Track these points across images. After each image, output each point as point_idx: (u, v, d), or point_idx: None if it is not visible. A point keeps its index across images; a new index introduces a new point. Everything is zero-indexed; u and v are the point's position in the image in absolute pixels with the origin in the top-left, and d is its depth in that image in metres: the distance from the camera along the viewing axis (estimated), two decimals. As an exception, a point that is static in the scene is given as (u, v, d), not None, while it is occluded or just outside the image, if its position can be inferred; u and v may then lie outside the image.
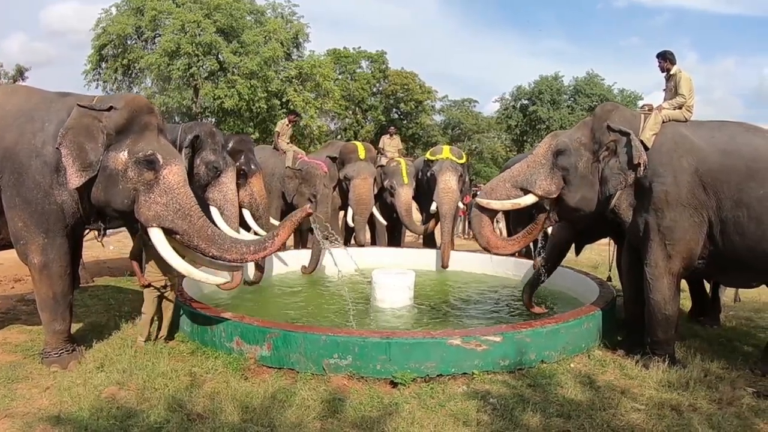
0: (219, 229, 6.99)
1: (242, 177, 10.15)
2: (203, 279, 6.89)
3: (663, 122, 6.92)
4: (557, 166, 7.20)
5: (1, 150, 6.44)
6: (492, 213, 7.72)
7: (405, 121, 51.35)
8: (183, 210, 6.48)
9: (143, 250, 7.20)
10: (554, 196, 7.23)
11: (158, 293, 7.20)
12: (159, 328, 7.37)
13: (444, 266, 11.94)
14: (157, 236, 6.50)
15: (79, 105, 6.43)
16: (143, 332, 7.16)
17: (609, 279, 9.08)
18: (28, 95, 6.96)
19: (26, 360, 6.94)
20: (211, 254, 6.60)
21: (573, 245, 8.35)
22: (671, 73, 7.46)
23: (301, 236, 14.33)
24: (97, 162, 6.32)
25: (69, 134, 6.20)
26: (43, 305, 6.71)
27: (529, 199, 7.32)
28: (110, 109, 6.45)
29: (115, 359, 6.66)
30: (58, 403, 5.63)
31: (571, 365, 6.69)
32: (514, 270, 11.36)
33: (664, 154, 6.66)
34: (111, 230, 10.37)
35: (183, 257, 6.70)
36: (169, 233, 6.53)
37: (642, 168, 6.62)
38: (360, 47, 52.73)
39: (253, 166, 10.47)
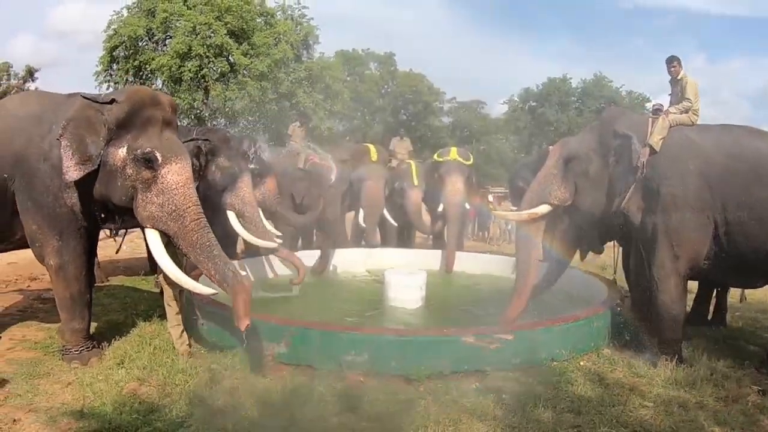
0: (209, 239, 6.23)
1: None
2: (192, 287, 6.31)
3: (670, 126, 7.05)
4: (569, 173, 7.31)
5: (12, 155, 6.56)
6: (536, 236, 7.64)
7: (413, 123, 51.30)
8: (177, 211, 6.13)
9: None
10: (569, 203, 7.34)
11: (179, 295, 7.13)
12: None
13: (448, 271, 12.05)
14: (151, 237, 6.30)
15: (83, 97, 6.37)
16: (182, 342, 7.04)
17: (614, 281, 9.14)
18: (39, 100, 7.08)
19: (46, 357, 7.07)
20: (190, 258, 6.29)
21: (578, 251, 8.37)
22: (678, 78, 7.57)
23: (305, 237, 14.52)
24: (97, 156, 6.15)
25: (70, 126, 6.09)
26: (62, 305, 6.85)
27: (544, 209, 7.41)
28: (112, 102, 6.27)
29: (134, 356, 6.77)
30: (80, 398, 5.73)
31: (581, 363, 6.80)
32: None
33: (672, 157, 6.78)
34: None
35: None
36: (163, 234, 6.30)
37: (641, 170, 6.76)
38: (369, 49, 52.86)
39: (266, 167, 10.74)
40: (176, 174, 6.20)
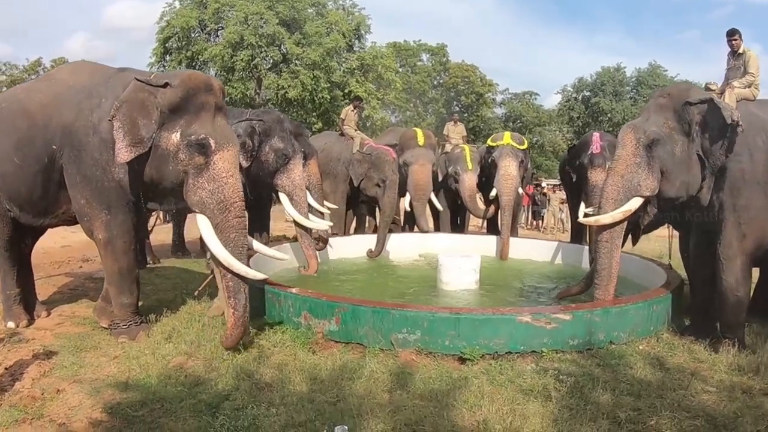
0: (243, 243, 6.41)
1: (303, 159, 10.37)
2: (242, 271, 6.28)
3: (737, 101, 6.81)
4: (654, 158, 6.78)
5: (61, 127, 6.61)
6: (619, 236, 7.13)
7: (466, 114, 51.18)
8: (225, 202, 6.23)
9: None
10: (657, 191, 6.85)
11: None
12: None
13: (503, 258, 11.98)
14: (201, 221, 6.33)
15: (137, 79, 6.34)
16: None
17: (669, 267, 8.88)
18: (91, 72, 7.12)
19: (94, 331, 7.22)
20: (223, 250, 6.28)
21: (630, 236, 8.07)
22: (739, 51, 7.36)
23: (359, 221, 14.67)
24: (149, 139, 6.20)
25: (123, 107, 6.12)
26: (110, 279, 6.93)
27: (637, 203, 6.88)
28: (166, 85, 6.28)
29: (182, 332, 6.85)
30: (126, 371, 5.80)
31: (640, 347, 6.62)
32: (576, 258, 11.22)
33: (739, 133, 6.48)
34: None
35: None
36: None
37: (740, 124, 6.30)
38: (420, 40, 52.83)
39: (311, 150, 10.79)
40: (227, 161, 6.27)
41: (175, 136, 6.24)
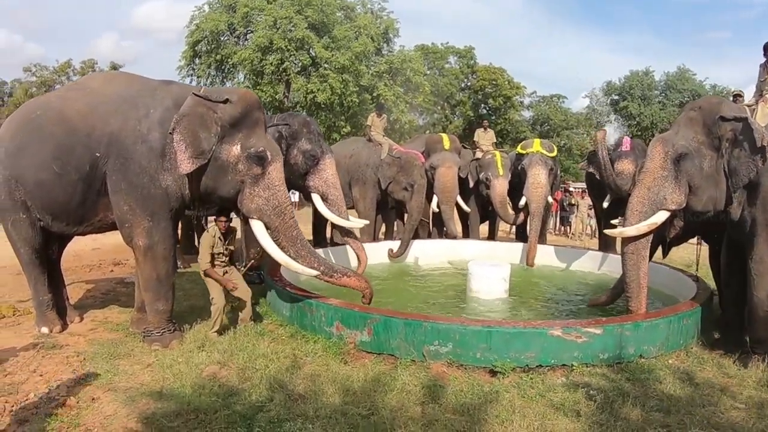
0: (303, 236, 7.30)
1: None
2: (300, 270, 7.15)
3: None
4: (681, 172, 6.75)
5: (107, 135, 6.72)
6: (646, 248, 7.12)
7: (493, 117, 50.76)
8: (280, 207, 6.98)
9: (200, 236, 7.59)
10: (684, 205, 6.82)
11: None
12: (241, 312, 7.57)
13: (529, 264, 11.88)
14: (258, 228, 6.95)
15: (195, 94, 6.66)
16: (216, 324, 7.22)
17: (697, 278, 8.76)
18: (128, 82, 7.26)
19: (127, 338, 7.28)
20: (288, 254, 7.02)
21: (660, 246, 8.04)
22: None
23: (388, 227, 14.72)
24: (209, 151, 6.58)
25: (184, 121, 6.44)
26: (147, 286, 7.00)
27: (663, 216, 6.85)
28: (226, 101, 6.68)
29: (215, 340, 6.94)
30: (160, 380, 5.85)
31: (670, 361, 6.59)
32: (606, 266, 11.18)
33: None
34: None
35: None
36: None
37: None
38: (448, 43, 52.57)
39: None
40: (279, 171, 7.03)
41: (236, 149, 6.76)
